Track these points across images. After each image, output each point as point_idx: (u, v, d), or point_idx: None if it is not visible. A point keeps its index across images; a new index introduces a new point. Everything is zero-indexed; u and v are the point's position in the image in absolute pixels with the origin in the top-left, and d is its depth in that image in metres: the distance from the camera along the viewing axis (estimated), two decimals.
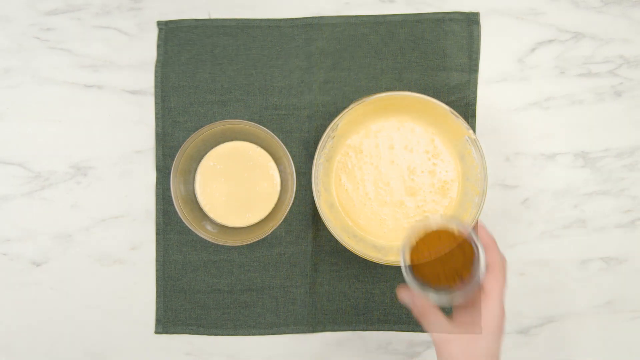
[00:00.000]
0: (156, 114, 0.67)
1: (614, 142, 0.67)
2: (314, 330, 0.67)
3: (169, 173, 0.62)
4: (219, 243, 0.62)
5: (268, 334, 0.67)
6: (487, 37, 0.67)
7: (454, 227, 0.49)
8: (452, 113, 0.61)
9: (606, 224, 0.67)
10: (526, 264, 0.67)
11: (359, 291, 0.67)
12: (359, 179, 0.66)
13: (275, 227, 0.62)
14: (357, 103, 0.61)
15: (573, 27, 0.68)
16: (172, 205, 0.65)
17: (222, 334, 0.67)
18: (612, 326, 0.67)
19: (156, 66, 0.67)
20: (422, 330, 0.67)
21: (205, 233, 0.62)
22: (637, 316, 0.67)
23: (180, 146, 0.62)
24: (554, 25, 0.68)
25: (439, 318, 0.49)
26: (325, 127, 0.63)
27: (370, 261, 0.63)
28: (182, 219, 0.62)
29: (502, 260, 0.49)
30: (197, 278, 0.67)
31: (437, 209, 0.65)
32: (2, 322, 0.67)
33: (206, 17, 0.68)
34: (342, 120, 0.62)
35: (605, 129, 0.67)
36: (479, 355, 0.46)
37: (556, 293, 0.67)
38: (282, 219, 0.62)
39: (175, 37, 0.68)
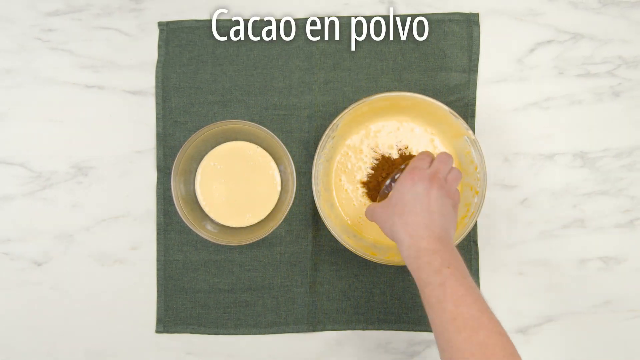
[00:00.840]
0: (157, 114, 0.68)
1: (613, 142, 0.68)
2: (314, 330, 0.67)
3: (170, 173, 0.63)
4: (219, 243, 0.62)
5: (268, 333, 0.67)
6: (486, 38, 0.68)
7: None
8: (452, 113, 0.61)
9: (605, 223, 0.67)
10: (525, 263, 0.67)
11: (359, 290, 0.68)
12: (359, 179, 0.66)
13: (275, 227, 0.62)
14: (357, 103, 0.62)
15: (572, 28, 0.68)
16: (173, 205, 0.65)
17: (223, 333, 0.67)
18: (611, 325, 0.67)
19: (157, 67, 0.68)
20: (421, 330, 0.67)
21: (206, 233, 0.63)
22: (636, 315, 0.67)
23: (181, 146, 0.62)
24: (553, 26, 0.68)
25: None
26: (325, 127, 0.63)
27: (370, 261, 0.63)
28: (183, 218, 0.62)
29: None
30: (198, 277, 0.67)
31: None
32: (3, 321, 0.68)
33: (207, 17, 0.68)
34: (342, 121, 0.63)
35: (604, 129, 0.68)
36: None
37: (555, 292, 0.67)
38: (282, 219, 0.62)
39: (176, 37, 0.68)
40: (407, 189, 0.54)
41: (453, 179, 0.56)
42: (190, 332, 0.67)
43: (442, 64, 0.67)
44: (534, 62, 0.68)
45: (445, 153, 0.57)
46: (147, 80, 0.68)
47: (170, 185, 0.62)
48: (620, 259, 0.67)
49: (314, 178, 0.63)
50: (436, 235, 0.51)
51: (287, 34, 0.68)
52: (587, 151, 0.68)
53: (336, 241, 0.66)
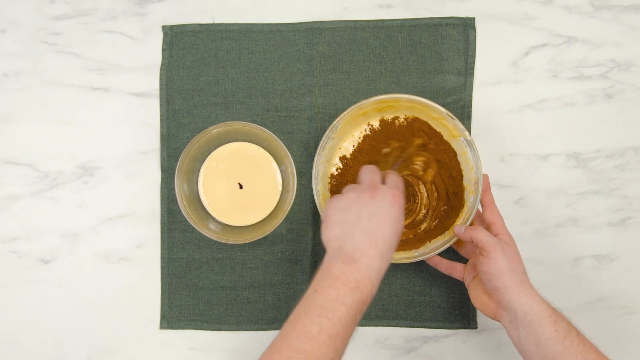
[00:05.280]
0: (161, 115, 0.69)
1: (606, 143, 0.69)
2: None
3: (174, 173, 0.64)
4: (221, 241, 0.63)
5: (270, 329, 0.69)
6: (482, 41, 0.69)
7: None
8: (448, 115, 0.62)
9: (598, 222, 0.69)
10: None
11: None
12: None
13: (276, 226, 0.63)
14: (355, 106, 0.63)
15: (566, 32, 0.69)
16: (177, 204, 0.66)
17: (225, 329, 0.69)
18: (604, 322, 0.68)
19: (161, 69, 0.69)
20: (419, 326, 0.68)
21: (209, 231, 0.64)
22: (628, 312, 0.68)
23: (185, 147, 0.63)
24: (547, 30, 0.69)
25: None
26: (325, 128, 0.65)
27: None
28: (186, 217, 0.63)
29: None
30: (201, 275, 0.69)
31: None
32: (11, 318, 0.69)
33: (210, 21, 0.69)
34: (341, 122, 0.64)
35: (597, 130, 0.69)
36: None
37: (549, 290, 0.68)
38: (283, 218, 0.63)
39: (179, 41, 0.69)
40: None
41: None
42: (194, 328, 0.68)
43: (439, 67, 0.68)
44: (528, 65, 0.69)
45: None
46: (152, 82, 0.69)
47: (174, 185, 0.63)
48: (612, 257, 0.69)
49: (314, 178, 0.64)
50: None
51: (288, 37, 0.69)
52: (581, 152, 0.69)
53: None
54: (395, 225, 0.52)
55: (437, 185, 0.66)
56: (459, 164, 0.65)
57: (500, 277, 0.55)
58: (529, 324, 0.54)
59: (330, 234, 0.53)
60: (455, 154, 0.65)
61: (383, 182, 0.57)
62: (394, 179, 0.57)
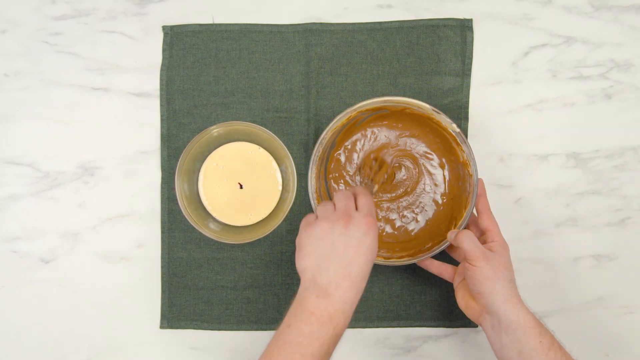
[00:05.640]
0: (161, 115, 0.69)
1: (605, 143, 0.69)
2: None
3: (174, 173, 0.64)
4: (222, 241, 0.64)
5: (270, 329, 0.69)
6: (482, 42, 0.69)
7: None
8: (434, 110, 0.62)
9: (597, 222, 0.69)
10: (520, 261, 0.68)
11: None
12: (354, 181, 0.68)
13: (276, 226, 0.63)
14: (343, 114, 0.63)
15: (565, 32, 0.69)
16: (177, 204, 0.66)
17: (225, 329, 0.69)
18: (603, 321, 0.68)
19: (161, 69, 0.69)
20: (419, 325, 0.68)
21: (209, 231, 0.64)
22: (627, 312, 0.68)
23: (185, 147, 0.63)
24: (546, 30, 0.69)
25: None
26: (323, 130, 0.64)
27: None
28: (187, 217, 0.63)
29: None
30: (201, 275, 0.69)
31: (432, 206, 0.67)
32: (11, 318, 0.69)
33: (210, 22, 0.70)
34: (328, 135, 0.63)
35: (596, 130, 0.69)
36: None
37: (549, 290, 0.68)
38: (283, 218, 0.63)
39: (180, 41, 0.69)
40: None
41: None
42: (194, 328, 0.69)
43: (436, 68, 0.69)
44: (528, 65, 0.69)
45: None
46: (152, 82, 0.69)
47: (174, 185, 0.64)
48: (612, 257, 0.69)
49: (310, 193, 0.63)
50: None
51: (288, 38, 0.69)
52: (580, 152, 0.69)
53: None
54: (369, 254, 0.53)
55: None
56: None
57: (484, 282, 0.56)
58: (513, 332, 0.54)
59: (304, 264, 0.53)
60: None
61: (356, 204, 0.56)
62: (367, 204, 0.56)
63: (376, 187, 0.65)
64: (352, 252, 0.52)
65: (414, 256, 0.64)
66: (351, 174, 0.67)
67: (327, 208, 0.56)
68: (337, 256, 0.51)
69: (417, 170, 0.67)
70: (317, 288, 0.51)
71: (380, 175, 0.66)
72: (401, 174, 0.67)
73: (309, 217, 0.57)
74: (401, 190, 0.67)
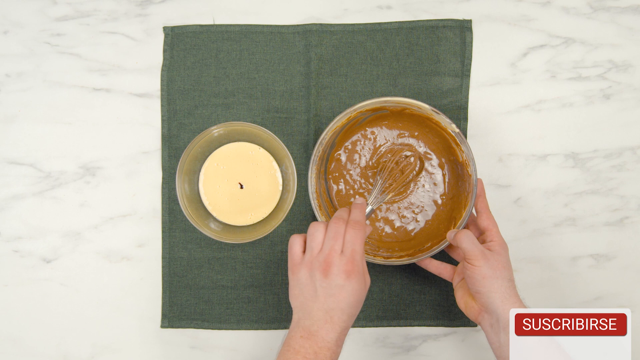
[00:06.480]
0: (162, 116, 0.70)
1: (603, 143, 0.69)
2: None
3: (175, 173, 0.64)
4: (222, 241, 0.64)
5: (270, 329, 0.69)
6: (481, 42, 0.69)
7: None
8: (434, 110, 0.62)
9: (595, 222, 0.69)
10: (518, 261, 0.69)
11: None
12: (354, 181, 0.68)
13: (276, 226, 0.64)
14: (343, 114, 0.63)
15: (564, 33, 0.70)
16: (178, 204, 0.66)
17: (226, 328, 0.69)
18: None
19: (162, 70, 0.70)
20: (418, 325, 0.69)
21: (210, 231, 0.64)
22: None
23: (186, 147, 0.64)
24: (545, 31, 0.70)
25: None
26: (323, 130, 0.65)
27: (368, 261, 0.64)
28: (187, 217, 0.64)
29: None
30: (202, 274, 0.69)
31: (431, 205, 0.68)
32: (14, 317, 0.69)
33: (211, 22, 0.70)
34: (328, 135, 0.64)
35: (594, 130, 0.69)
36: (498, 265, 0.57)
37: (548, 289, 0.69)
38: (284, 218, 0.64)
39: (180, 42, 0.70)
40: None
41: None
42: (194, 327, 0.69)
43: (435, 69, 0.69)
44: (526, 66, 0.69)
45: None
46: (153, 83, 0.70)
47: (175, 185, 0.64)
48: (610, 257, 0.69)
49: (310, 193, 0.64)
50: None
51: (288, 39, 0.69)
52: (578, 152, 0.69)
53: None
54: (352, 297, 0.53)
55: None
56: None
57: (483, 281, 0.56)
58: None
59: (293, 303, 0.56)
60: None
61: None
62: (351, 242, 0.54)
63: (389, 196, 0.65)
64: (333, 300, 0.53)
65: (413, 256, 0.64)
66: (353, 174, 0.68)
67: (315, 242, 0.55)
68: (319, 302, 0.53)
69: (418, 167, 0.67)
70: (301, 329, 0.54)
71: (400, 181, 0.66)
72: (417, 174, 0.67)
73: (295, 247, 0.56)
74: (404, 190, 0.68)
